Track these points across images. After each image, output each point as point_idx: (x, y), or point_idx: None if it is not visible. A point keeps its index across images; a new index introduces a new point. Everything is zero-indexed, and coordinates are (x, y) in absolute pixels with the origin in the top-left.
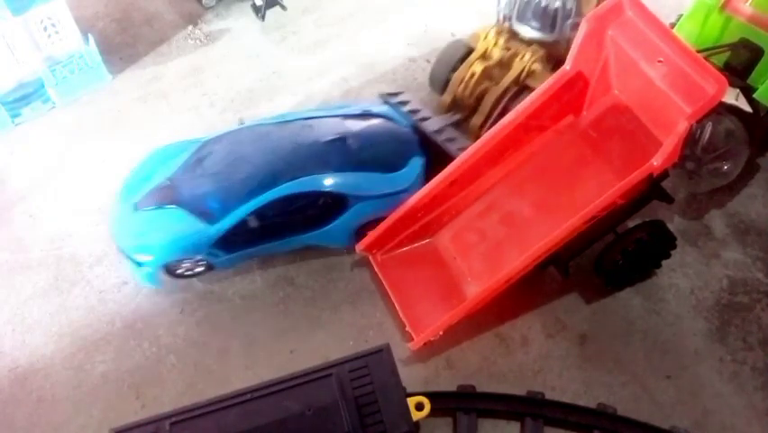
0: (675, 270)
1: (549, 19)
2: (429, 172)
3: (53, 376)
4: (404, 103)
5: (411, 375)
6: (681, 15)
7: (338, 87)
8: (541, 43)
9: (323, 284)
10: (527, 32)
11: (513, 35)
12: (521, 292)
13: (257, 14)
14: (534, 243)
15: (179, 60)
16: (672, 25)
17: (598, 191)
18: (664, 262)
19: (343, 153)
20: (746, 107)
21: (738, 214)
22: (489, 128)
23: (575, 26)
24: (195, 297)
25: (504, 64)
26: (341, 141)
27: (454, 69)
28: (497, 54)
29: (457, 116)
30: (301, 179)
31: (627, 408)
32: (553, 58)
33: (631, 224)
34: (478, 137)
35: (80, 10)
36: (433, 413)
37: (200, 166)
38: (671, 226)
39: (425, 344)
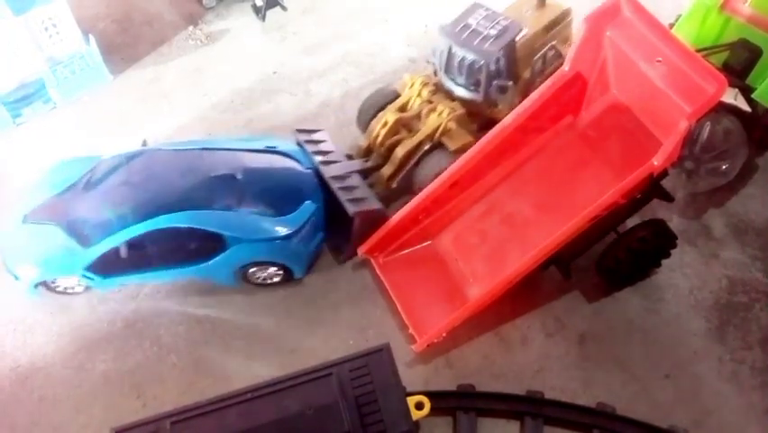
0: (674, 270)
1: (474, 78)
2: (328, 217)
3: (54, 376)
4: (317, 142)
5: (411, 375)
6: (680, 15)
7: (338, 87)
8: (465, 102)
9: (323, 284)
10: (452, 87)
11: (440, 88)
12: (521, 292)
13: (257, 15)
14: (536, 244)
15: (180, 61)
16: (671, 25)
17: (599, 191)
18: (664, 262)
19: (230, 191)
20: (745, 107)
21: (737, 213)
22: (400, 181)
23: (503, 89)
24: (195, 297)
25: (422, 117)
26: (230, 177)
27: (377, 115)
28: (416, 106)
29: (369, 163)
30: (179, 213)
31: (627, 407)
32: (479, 118)
33: (630, 223)
34: (386, 188)
35: (81, 10)
36: (433, 413)
37: (88, 187)
38: (670, 226)
39: (427, 345)
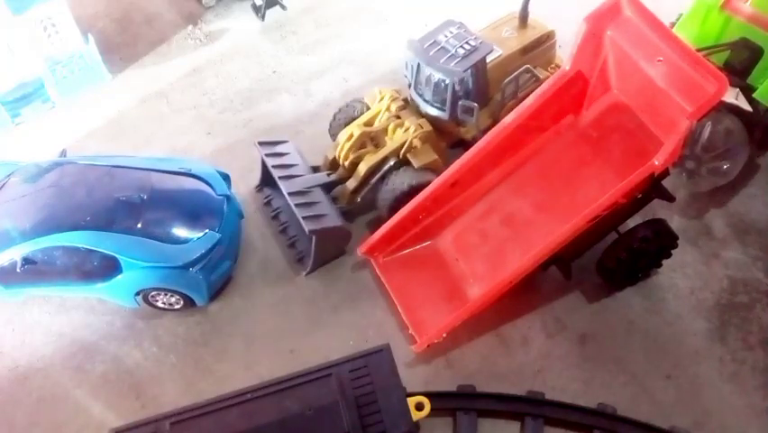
0: (675, 270)
1: (440, 96)
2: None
3: (53, 376)
4: (280, 154)
5: (411, 375)
6: (681, 15)
7: (338, 87)
8: (433, 119)
9: (323, 284)
10: (421, 103)
11: (409, 103)
12: (521, 292)
13: (257, 14)
14: (536, 243)
15: (179, 60)
16: (673, 25)
17: (600, 191)
18: (665, 262)
19: (133, 213)
20: (746, 107)
21: (738, 213)
22: (365, 195)
23: (468, 110)
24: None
25: (388, 132)
26: (135, 199)
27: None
28: (384, 120)
29: (332, 177)
30: (76, 232)
31: (627, 407)
32: (448, 136)
33: (632, 223)
34: (350, 202)
35: (80, 9)
36: (433, 413)
37: None
38: (671, 226)
39: (427, 346)
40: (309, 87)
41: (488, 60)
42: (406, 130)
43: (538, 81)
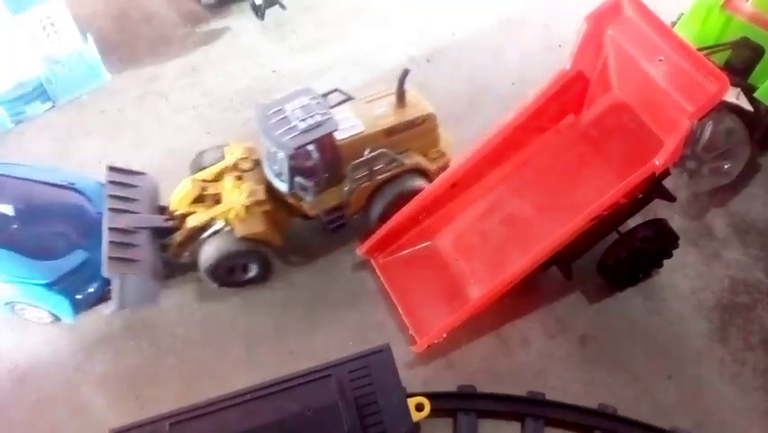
0: (676, 270)
1: (280, 167)
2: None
3: (52, 376)
4: (128, 186)
5: (411, 376)
6: (682, 14)
7: (338, 86)
8: (271, 189)
9: (323, 284)
10: (266, 170)
11: (258, 164)
12: (521, 293)
13: (256, 14)
14: (537, 244)
15: (178, 60)
16: (673, 24)
17: (601, 191)
18: (665, 263)
19: (1, 224)
20: (747, 106)
21: (739, 213)
22: (192, 253)
23: (304, 188)
24: (194, 297)
25: (226, 192)
26: (6, 209)
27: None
28: (226, 178)
29: (170, 222)
30: None
31: (628, 408)
32: (290, 208)
33: (632, 223)
34: (176, 255)
35: (79, 8)
36: (433, 413)
37: None
38: (672, 226)
39: (427, 346)
40: (309, 87)
41: (345, 137)
42: (241, 194)
43: (403, 166)
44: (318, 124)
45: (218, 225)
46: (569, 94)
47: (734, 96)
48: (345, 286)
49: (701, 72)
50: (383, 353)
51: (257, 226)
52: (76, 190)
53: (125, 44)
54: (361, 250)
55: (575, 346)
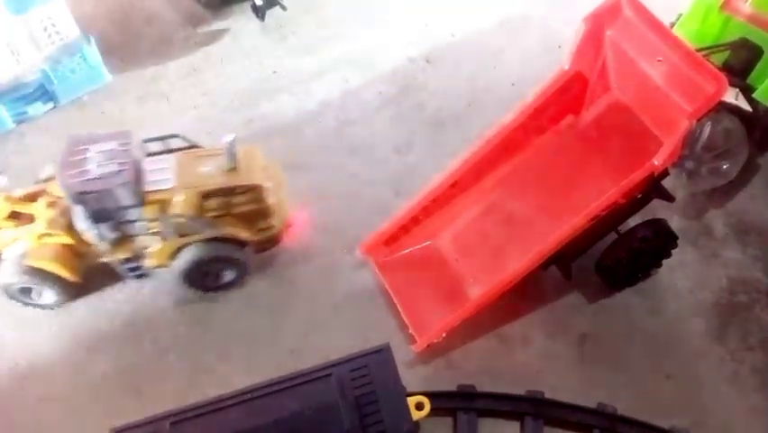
0: (675, 270)
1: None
2: None
3: (53, 375)
4: None
5: (411, 375)
6: (681, 15)
7: (338, 87)
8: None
9: (323, 284)
10: (75, 213)
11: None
12: (521, 292)
13: (257, 14)
14: (536, 243)
15: (179, 60)
16: (672, 24)
17: (599, 191)
18: (664, 262)
19: None
20: (746, 107)
21: (738, 213)
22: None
23: (97, 232)
24: (195, 296)
25: (27, 216)
26: None
27: None
28: (39, 201)
29: None
30: None
31: (627, 407)
32: (78, 257)
33: (631, 223)
34: None
35: (80, 9)
36: (433, 413)
37: None
38: (670, 226)
39: (427, 345)
40: (309, 87)
41: (150, 189)
42: (39, 222)
43: (205, 235)
44: (108, 175)
45: (21, 246)
46: (568, 94)
47: (732, 96)
48: (345, 286)
49: (700, 73)
50: (383, 352)
51: (44, 258)
52: None
53: (126, 45)
54: (360, 250)
55: (574, 346)
